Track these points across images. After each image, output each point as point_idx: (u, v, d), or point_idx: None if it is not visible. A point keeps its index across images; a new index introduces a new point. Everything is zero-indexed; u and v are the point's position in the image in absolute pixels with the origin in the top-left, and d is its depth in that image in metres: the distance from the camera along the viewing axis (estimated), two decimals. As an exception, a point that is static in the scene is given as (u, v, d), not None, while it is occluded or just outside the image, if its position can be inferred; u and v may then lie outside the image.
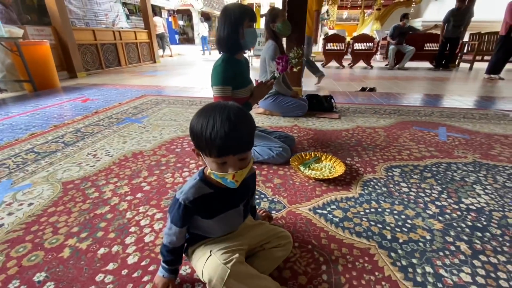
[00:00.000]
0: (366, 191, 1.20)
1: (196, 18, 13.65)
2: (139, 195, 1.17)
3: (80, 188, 1.22)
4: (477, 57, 5.86)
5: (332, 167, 1.38)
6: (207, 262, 0.62)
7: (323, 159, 1.46)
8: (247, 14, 1.24)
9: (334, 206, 1.10)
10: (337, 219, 1.02)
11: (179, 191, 0.64)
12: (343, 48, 6.47)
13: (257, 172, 1.38)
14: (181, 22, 16.16)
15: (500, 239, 0.92)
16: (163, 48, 9.13)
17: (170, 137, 1.86)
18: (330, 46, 6.50)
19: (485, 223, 1.00)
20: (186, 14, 14.68)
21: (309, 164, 1.40)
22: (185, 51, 11.50)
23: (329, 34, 7.09)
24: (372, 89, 3.55)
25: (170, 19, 13.92)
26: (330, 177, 1.27)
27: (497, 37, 4.51)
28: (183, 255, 0.72)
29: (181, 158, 1.54)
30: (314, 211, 1.06)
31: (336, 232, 0.95)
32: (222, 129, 0.52)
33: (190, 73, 5.35)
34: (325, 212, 1.06)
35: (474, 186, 1.26)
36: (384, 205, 1.11)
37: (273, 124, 2.15)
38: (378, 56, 7.75)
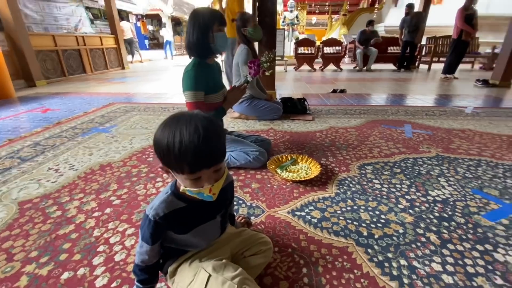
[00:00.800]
0: (342, 190, 1.23)
1: (167, 23, 13.35)
2: (107, 210, 1.10)
3: (39, 208, 1.11)
4: (434, 59, 6.38)
5: (308, 168, 1.39)
6: (210, 283, 0.58)
7: (299, 160, 1.48)
8: (216, 18, 1.22)
9: (312, 207, 1.10)
10: (315, 220, 1.02)
11: (149, 206, 0.60)
12: (313, 52, 6.68)
13: (234, 177, 1.36)
14: (150, 27, 15.73)
15: (464, 227, 0.99)
16: (132, 54, 8.80)
17: (141, 146, 1.78)
18: (301, 50, 6.68)
19: (450, 213, 1.07)
20: (155, 18, 14.32)
21: (286, 167, 1.41)
22: (156, 56, 11.20)
23: (300, 38, 7.29)
24: (342, 91, 3.69)
25: (139, 24, 13.48)
26: (307, 178, 1.28)
27: (450, 40, 4.92)
28: (160, 272, 0.68)
29: (154, 167, 1.47)
30: (293, 214, 1.06)
31: (315, 233, 0.95)
32: (192, 144, 0.48)
33: (162, 79, 5.20)
34: (303, 213, 1.06)
35: (439, 178, 1.34)
36: (359, 203, 1.14)
37: (249, 128, 2.14)
38: (346, 59, 8.11)
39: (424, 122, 2.25)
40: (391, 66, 6.71)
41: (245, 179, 1.34)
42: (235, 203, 1.13)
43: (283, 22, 7.89)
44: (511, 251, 0.87)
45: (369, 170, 1.42)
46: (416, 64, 6.66)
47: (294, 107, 2.45)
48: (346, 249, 0.87)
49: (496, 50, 5.68)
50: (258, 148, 1.43)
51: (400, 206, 1.11)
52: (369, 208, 1.10)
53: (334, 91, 3.73)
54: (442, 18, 9.05)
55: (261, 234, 0.79)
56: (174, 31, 13.58)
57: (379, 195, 1.19)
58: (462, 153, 1.63)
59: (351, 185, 1.28)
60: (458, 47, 4.68)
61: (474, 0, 4.47)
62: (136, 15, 12.99)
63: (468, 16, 4.47)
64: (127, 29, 8.30)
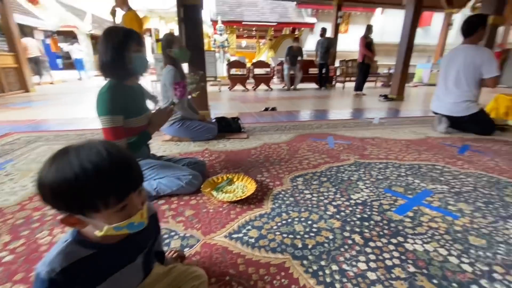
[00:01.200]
0: (277, 204, 1.26)
1: (84, 40, 12.08)
2: (-8, 272, 0.85)
3: None
4: (347, 79, 7.46)
5: (245, 187, 1.39)
6: None
7: (235, 180, 1.46)
8: (133, 38, 1.15)
9: (249, 227, 1.09)
10: (252, 240, 1.00)
11: (40, 262, 0.47)
12: (245, 73, 7.01)
13: (165, 206, 1.25)
14: (63, 45, 13.95)
15: (381, 224, 1.12)
16: (40, 74, 7.58)
17: (48, 182, 1.48)
18: (234, 71, 6.93)
19: (369, 212, 1.20)
20: (70, 36, 12.82)
21: (222, 188, 1.37)
22: (71, 77, 9.91)
23: (231, 60, 7.56)
24: (273, 109, 3.93)
25: (49, 41, 11.83)
26: (243, 197, 1.27)
27: (357, 63, 5.86)
28: None
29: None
30: (230, 237, 1.02)
31: (252, 254, 0.93)
32: (113, 166, 0.43)
33: (80, 102, 4.59)
34: (240, 235, 1.04)
35: (358, 182, 1.51)
36: (293, 215, 1.18)
37: (182, 150, 2.04)
38: (276, 80, 8.76)
39: (343, 133, 2.55)
40: (313, 85, 7.54)
41: (178, 207, 1.24)
42: (165, 236, 1.03)
43: (213, 44, 8.09)
44: (418, 239, 1.02)
45: (300, 181, 1.51)
46: (333, 83, 7.66)
47: (229, 126, 2.47)
48: (283, 265, 0.88)
49: (391, 71, 7.02)
50: (191, 172, 1.36)
51: (328, 213, 1.20)
52: (302, 219, 1.14)
53: (266, 109, 3.93)
54: (349, 45, 10.76)
55: (193, 267, 0.73)
56: (95, 50, 12.37)
57: (310, 205, 1.26)
58: (374, 158, 1.89)
59: (285, 198, 1.32)
60: (363, 69, 5.61)
61: (370, 31, 5.49)
62: (45, 31, 11.39)
63: (368, 43, 5.44)
64: (32, 46, 7.17)
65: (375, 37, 5.70)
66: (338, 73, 7.74)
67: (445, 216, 1.18)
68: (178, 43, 2.06)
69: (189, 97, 2.24)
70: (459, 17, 9.25)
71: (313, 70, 7.38)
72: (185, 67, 2.23)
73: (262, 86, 7.13)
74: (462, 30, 2.51)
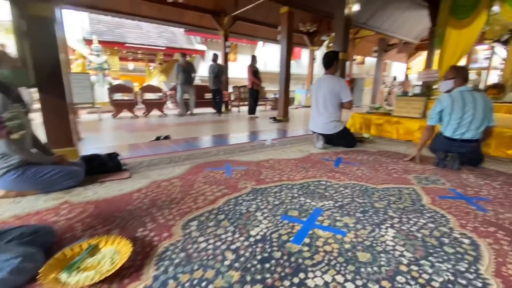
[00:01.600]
0: (162, 269, 0.98)
1: None
2: None
3: None
4: (241, 103, 7.90)
5: (116, 253, 1.03)
6: None
7: (101, 246, 1.08)
8: None
9: (118, 319, 0.76)
10: None
11: None
12: (133, 98, 6.27)
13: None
14: None
15: (282, 261, 1.02)
16: None
17: None
18: (119, 96, 6.07)
19: (269, 250, 1.10)
20: None
21: (79, 263, 0.97)
22: None
23: (114, 84, 6.65)
24: (166, 137, 3.57)
25: None
26: (112, 271, 0.92)
27: (247, 89, 6.28)
28: None
29: None
30: None
31: None
32: None
33: None
34: None
35: (256, 213, 1.42)
36: (183, 279, 0.92)
37: (24, 210, 1.43)
38: (171, 105, 8.31)
39: (240, 158, 2.51)
40: (211, 110, 7.57)
41: (-12, 319, 0.76)
42: None
43: (89, 66, 6.94)
44: (317, 271, 0.97)
45: (194, 226, 1.28)
46: (229, 108, 7.94)
47: (103, 166, 1.98)
48: None
49: (277, 96, 7.93)
50: (21, 251, 0.90)
51: (226, 262, 1.01)
52: (195, 282, 0.91)
53: (158, 138, 3.53)
54: (239, 72, 11.62)
55: None
56: None
57: (205, 257, 1.04)
58: (269, 182, 1.90)
59: (173, 256, 1.05)
60: (253, 94, 6.07)
61: (255, 60, 6.05)
62: None
63: (254, 72, 5.95)
64: None
65: (260, 66, 6.33)
66: (232, 98, 8.11)
67: (336, 235, 1.22)
68: (10, 63, 1.49)
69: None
70: (319, 53, 11.76)
71: (209, 95, 7.42)
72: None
73: (155, 112, 6.56)
74: (323, 63, 3.03)
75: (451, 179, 2.01)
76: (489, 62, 9.56)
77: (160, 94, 6.96)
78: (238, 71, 11.67)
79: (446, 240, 1.19)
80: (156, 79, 10.40)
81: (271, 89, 11.17)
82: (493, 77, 9.28)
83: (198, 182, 1.87)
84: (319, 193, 1.70)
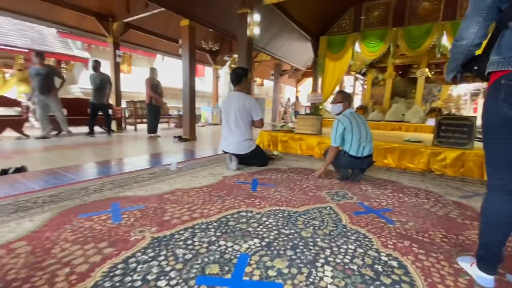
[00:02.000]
0: None
1: None
2: None
3: None
4: (138, 120, 6.88)
5: None
6: None
7: None
8: None
9: None
10: None
11: None
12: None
13: None
14: None
15: None
16: None
17: None
18: None
19: None
20: None
21: None
22: None
23: None
24: (20, 169, 2.49)
25: None
26: None
27: (146, 104, 5.47)
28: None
29: None
30: None
31: None
32: None
33: None
34: None
35: (159, 283, 0.96)
36: None
37: None
38: (36, 123, 6.33)
39: (135, 193, 1.93)
40: (98, 129, 6.19)
41: None
42: None
43: None
44: None
45: None
46: (123, 126, 6.76)
47: None
48: None
49: (181, 113, 7.34)
50: None
51: None
52: None
53: (4, 171, 2.41)
54: (135, 86, 10.34)
55: None
56: None
57: None
58: (177, 224, 1.45)
59: None
60: (152, 110, 5.33)
61: (154, 73, 5.37)
62: None
63: (154, 86, 5.24)
64: None
65: (162, 80, 5.66)
66: (126, 114, 6.98)
67: (271, 293, 0.93)
68: None
69: None
70: (222, 72, 12.00)
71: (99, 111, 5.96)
72: None
73: (11, 133, 4.76)
74: (231, 80, 2.86)
75: (355, 192, 2.14)
76: (353, 88, 12.23)
77: (19, 109, 5.17)
78: (133, 84, 10.34)
79: (380, 268, 1.11)
80: (15, 90, 7.86)
81: (174, 105, 10.42)
82: (356, 101, 11.90)
83: (63, 242, 1.22)
84: (241, 230, 1.40)
